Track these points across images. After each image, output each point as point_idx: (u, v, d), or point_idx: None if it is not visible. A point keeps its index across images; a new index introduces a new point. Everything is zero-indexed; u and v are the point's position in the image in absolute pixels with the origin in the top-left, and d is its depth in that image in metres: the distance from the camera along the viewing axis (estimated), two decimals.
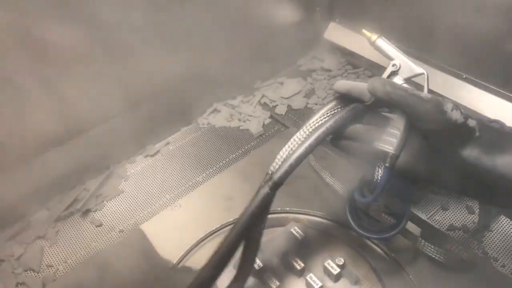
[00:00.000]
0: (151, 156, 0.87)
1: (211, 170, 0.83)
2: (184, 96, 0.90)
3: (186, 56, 0.84)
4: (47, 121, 0.72)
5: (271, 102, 0.97)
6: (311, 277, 0.59)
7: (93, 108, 0.77)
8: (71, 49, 0.70)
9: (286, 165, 0.50)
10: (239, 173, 0.78)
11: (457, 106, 0.45)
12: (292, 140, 0.51)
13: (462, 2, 0.79)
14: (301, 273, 0.61)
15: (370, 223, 0.61)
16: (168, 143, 0.90)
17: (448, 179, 0.47)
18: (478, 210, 0.70)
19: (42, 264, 0.69)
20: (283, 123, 0.92)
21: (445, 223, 0.70)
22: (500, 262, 0.64)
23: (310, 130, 0.51)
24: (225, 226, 0.69)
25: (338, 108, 0.53)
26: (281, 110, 0.95)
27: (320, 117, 0.52)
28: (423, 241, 0.62)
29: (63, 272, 0.68)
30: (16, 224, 0.75)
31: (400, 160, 0.49)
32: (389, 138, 0.49)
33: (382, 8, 0.93)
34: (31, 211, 0.77)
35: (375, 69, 0.98)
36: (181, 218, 0.71)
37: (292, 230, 0.66)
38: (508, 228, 0.68)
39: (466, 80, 0.85)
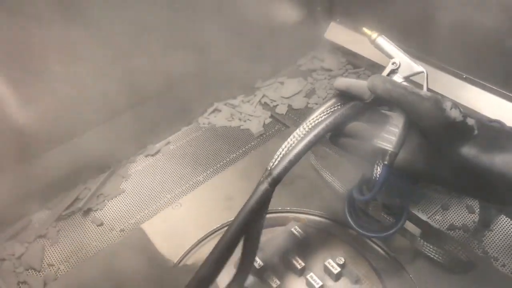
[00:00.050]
0: (152, 155, 0.87)
1: (212, 170, 0.83)
2: (185, 95, 0.90)
3: (186, 55, 0.84)
4: (48, 120, 0.72)
5: (271, 102, 0.98)
6: (312, 276, 0.60)
7: (94, 108, 0.77)
8: (71, 49, 0.70)
9: (285, 161, 0.50)
10: (240, 173, 0.78)
11: (456, 104, 0.45)
12: (291, 136, 0.51)
13: (462, 2, 0.79)
14: (301, 272, 0.61)
15: (369, 222, 0.61)
16: (168, 143, 0.90)
17: (447, 178, 0.47)
18: (478, 209, 0.70)
19: (43, 263, 0.69)
20: (284, 122, 0.92)
21: (445, 222, 0.70)
22: (501, 262, 0.64)
23: (310, 126, 0.52)
24: (226, 226, 0.68)
25: (337, 105, 0.53)
26: (281, 109, 0.95)
27: (320, 114, 0.52)
28: (421, 241, 0.62)
29: (64, 271, 0.68)
30: (17, 223, 0.75)
31: (399, 158, 0.49)
32: (388, 136, 0.49)
33: (382, 8, 0.93)
34: (32, 210, 0.77)
35: (375, 69, 0.99)
36: (182, 217, 0.72)
37: (292, 229, 0.66)
38: (508, 227, 0.68)
39: (466, 80, 0.85)
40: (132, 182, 0.82)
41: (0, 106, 0.66)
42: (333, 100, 0.53)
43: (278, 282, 0.60)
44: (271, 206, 0.53)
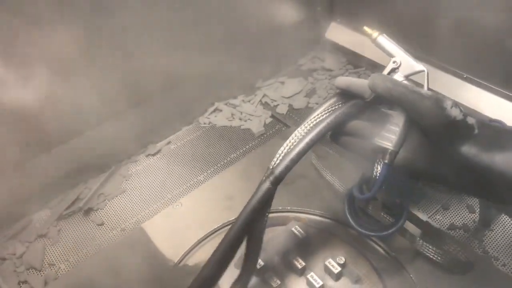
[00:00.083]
0: (153, 155, 0.87)
1: (212, 169, 0.83)
2: (186, 95, 0.91)
3: (187, 55, 0.84)
4: (49, 119, 0.72)
5: (272, 102, 0.98)
6: (312, 276, 0.60)
7: (95, 107, 0.77)
8: (72, 49, 0.70)
9: (287, 160, 0.50)
10: (240, 172, 0.79)
11: (456, 103, 0.45)
12: (293, 135, 0.52)
13: (463, 2, 0.79)
14: (302, 272, 0.61)
15: (369, 222, 0.61)
16: (169, 142, 0.90)
17: (447, 176, 0.47)
18: (478, 209, 0.70)
19: (44, 263, 0.69)
20: (284, 122, 0.93)
21: (446, 222, 0.70)
22: (501, 261, 0.64)
23: (311, 125, 0.52)
24: (226, 225, 0.69)
25: (338, 104, 0.53)
26: (282, 109, 0.95)
27: (321, 113, 0.52)
28: (421, 241, 0.62)
29: (65, 271, 0.68)
30: (18, 223, 0.75)
31: (399, 157, 0.49)
32: (389, 135, 0.49)
33: (383, 8, 0.93)
34: (33, 209, 0.77)
35: (376, 68, 0.98)
36: (183, 217, 0.72)
37: (293, 229, 0.66)
38: (509, 227, 0.68)
39: (466, 79, 0.85)
40: (133, 182, 0.82)
41: (0, 106, 0.66)
42: (334, 99, 0.53)
43: (279, 282, 0.60)
44: (272, 206, 0.53)
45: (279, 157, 0.51)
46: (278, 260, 0.63)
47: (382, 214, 0.63)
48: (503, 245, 0.66)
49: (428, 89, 0.50)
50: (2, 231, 0.73)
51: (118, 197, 0.79)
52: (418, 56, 0.52)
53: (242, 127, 0.92)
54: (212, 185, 0.77)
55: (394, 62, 0.52)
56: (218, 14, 0.87)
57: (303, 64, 1.08)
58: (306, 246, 0.64)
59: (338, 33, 1.08)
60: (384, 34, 0.53)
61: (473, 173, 0.45)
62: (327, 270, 0.61)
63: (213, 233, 0.68)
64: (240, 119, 0.94)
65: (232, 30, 0.90)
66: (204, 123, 0.94)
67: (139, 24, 0.76)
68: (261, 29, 0.97)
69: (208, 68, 0.89)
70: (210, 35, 0.87)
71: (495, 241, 0.67)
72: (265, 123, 0.93)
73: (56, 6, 0.66)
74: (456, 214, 0.71)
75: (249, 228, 0.51)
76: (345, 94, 0.53)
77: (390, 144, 0.49)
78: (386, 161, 0.49)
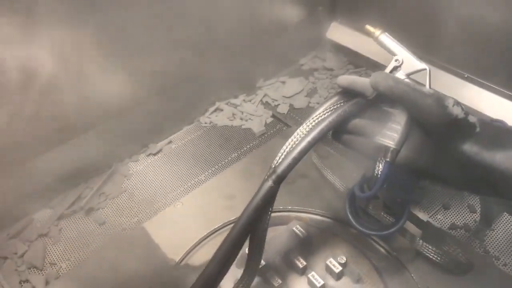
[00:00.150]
0: (154, 154, 0.87)
1: (213, 169, 0.84)
2: (186, 95, 0.91)
3: (188, 55, 0.85)
4: (50, 119, 0.72)
5: (273, 101, 0.98)
6: (313, 275, 0.60)
7: (96, 107, 0.77)
8: (73, 49, 0.70)
9: (289, 159, 0.50)
10: (241, 172, 0.79)
11: (458, 102, 0.45)
12: (295, 134, 0.52)
13: (464, 1, 0.79)
14: (303, 271, 0.61)
15: (369, 221, 0.61)
16: (170, 142, 0.90)
17: (449, 175, 0.47)
18: (480, 209, 0.70)
19: (45, 262, 0.69)
20: (285, 122, 0.93)
21: (446, 222, 0.70)
22: (502, 261, 0.64)
23: (313, 124, 0.52)
24: (227, 225, 0.69)
25: (340, 102, 0.53)
26: (283, 109, 0.95)
27: (323, 112, 0.52)
28: (421, 241, 0.62)
29: (66, 270, 0.68)
30: (19, 222, 0.75)
31: (401, 155, 0.49)
32: (390, 133, 0.49)
33: (384, 8, 0.93)
34: (34, 209, 0.77)
35: (377, 68, 0.97)
36: (184, 216, 0.72)
37: (294, 228, 0.66)
38: (510, 227, 0.69)
39: (467, 79, 0.85)
40: (134, 181, 0.82)
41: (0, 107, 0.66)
42: (336, 98, 0.53)
43: (280, 281, 0.60)
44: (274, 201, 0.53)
45: (281, 156, 0.51)
46: (279, 259, 0.63)
47: (383, 214, 0.63)
48: (504, 245, 0.66)
49: (430, 87, 0.50)
50: (4, 230, 0.73)
51: (119, 196, 0.79)
52: (419, 55, 0.52)
53: (243, 126, 0.92)
54: (213, 184, 0.77)
55: (396, 60, 0.52)
56: (219, 13, 0.87)
57: (304, 63, 1.08)
58: (307, 245, 0.64)
59: (339, 32, 1.08)
60: (386, 33, 0.53)
61: (474, 171, 0.45)
62: (328, 270, 0.61)
63: (214, 232, 0.69)
64: (241, 118, 0.94)
65: (233, 30, 0.90)
66: (205, 123, 0.94)
67: (139, 24, 0.76)
68: (262, 28, 0.97)
69: (209, 68, 0.89)
70: (211, 34, 0.87)
71: (496, 241, 0.67)
72: (266, 122, 0.93)
73: (59, 6, 0.66)
74: (457, 213, 0.71)
75: (251, 227, 0.51)
76: (347, 93, 0.53)
77: (391, 143, 0.49)
78: (388, 159, 0.49)
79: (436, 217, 0.71)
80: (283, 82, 1.02)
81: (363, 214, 0.61)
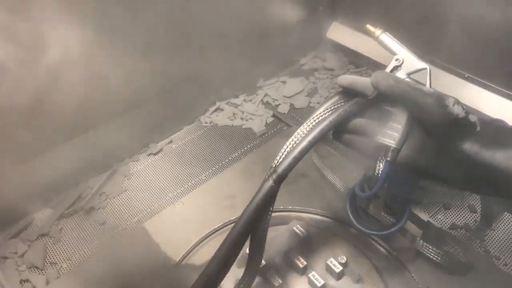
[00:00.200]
0: (154, 154, 0.87)
1: (214, 169, 0.84)
2: (187, 94, 0.91)
3: (188, 55, 0.85)
4: (51, 119, 0.72)
5: (273, 101, 0.98)
6: (314, 275, 0.60)
7: (96, 107, 0.77)
8: (73, 49, 0.70)
9: (290, 158, 0.50)
10: (242, 172, 0.79)
11: (458, 101, 0.45)
12: (295, 133, 0.52)
13: (465, 1, 0.79)
14: (303, 271, 0.61)
15: (370, 221, 0.61)
16: (171, 142, 0.90)
17: (449, 174, 0.47)
18: (480, 208, 0.70)
19: (46, 262, 0.69)
20: (286, 122, 0.93)
21: (447, 222, 0.70)
22: (502, 261, 0.64)
23: (314, 123, 0.52)
24: (228, 224, 0.69)
25: (341, 102, 0.53)
26: (283, 109, 0.95)
27: (323, 111, 0.52)
28: (421, 241, 0.62)
29: (66, 270, 0.68)
30: (20, 222, 0.75)
31: (401, 154, 0.49)
32: (391, 132, 0.49)
33: (384, 8, 0.93)
34: (35, 208, 0.77)
35: (377, 68, 0.97)
36: (184, 216, 0.72)
37: (294, 228, 0.66)
38: (510, 226, 0.68)
39: (468, 79, 0.85)
40: (134, 181, 0.82)
41: (1, 107, 0.66)
42: (336, 97, 0.53)
43: (280, 281, 0.60)
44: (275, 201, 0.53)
45: (282, 155, 0.51)
46: (279, 259, 0.63)
47: (383, 213, 0.63)
48: (504, 245, 0.66)
49: (430, 87, 0.50)
50: (4, 230, 0.73)
51: (119, 196, 0.79)
52: (419, 55, 0.52)
53: (243, 126, 0.92)
54: (213, 184, 0.77)
55: (396, 59, 0.52)
56: (220, 13, 0.87)
57: (304, 63, 1.08)
58: (308, 245, 0.64)
59: (340, 32, 1.08)
60: (387, 32, 0.53)
61: (474, 170, 0.45)
62: (329, 269, 0.61)
63: (215, 232, 0.69)
64: (242, 118, 0.94)
65: (234, 30, 0.90)
66: (206, 123, 0.94)
67: (140, 24, 0.76)
68: (263, 28, 0.97)
69: (210, 67, 0.89)
70: (212, 33, 0.87)
71: (496, 241, 0.67)
72: (266, 122, 0.93)
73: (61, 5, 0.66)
74: (458, 213, 0.71)
75: (252, 227, 0.51)
76: (347, 93, 0.53)
77: (392, 142, 0.49)
78: (388, 158, 0.49)
79: (437, 217, 0.71)
80: (284, 82, 1.02)
81: (364, 214, 0.61)
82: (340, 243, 0.65)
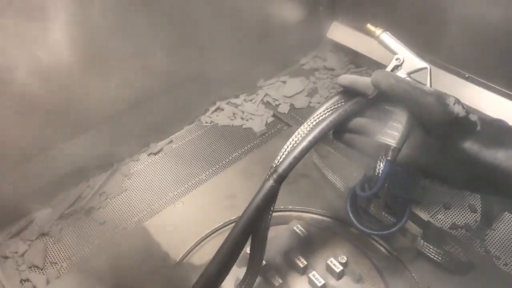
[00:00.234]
0: (155, 154, 0.87)
1: (214, 168, 0.84)
2: (187, 94, 0.91)
3: (189, 54, 0.85)
4: (51, 119, 0.72)
5: (274, 101, 0.98)
6: (314, 275, 0.60)
7: (97, 106, 0.77)
8: (73, 49, 0.70)
9: (290, 158, 0.50)
10: (242, 171, 0.79)
11: (459, 100, 0.45)
12: (296, 133, 0.52)
13: (465, 1, 0.79)
14: (303, 271, 0.61)
15: (370, 221, 0.61)
16: (171, 141, 0.90)
17: (450, 173, 0.47)
18: (480, 208, 0.70)
19: (46, 261, 0.69)
20: (286, 121, 0.93)
21: (447, 221, 0.70)
22: (503, 261, 0.64)
23: (314, 123, 0.52)
24: (228, 224, 0.69)
25: (341, 102, 0.53)
26: (283, 109, 0.95)
27: (324, 111, 0.52)
28: (422, 241, 0.62)
29: (67, 269, 0.68)
30: (20, 221, 0.75)
31: (402, 154, 0.49)
32: (391, 132, 0.49)
33: (384, 8, 0.93)
34: (35, 208, 0.77)
35: (378, 68, 0.97)
36: (184, 215, 0.72)
37: (295, 228, 0.66)
38: (510, 226, 0.68)
39: (468, 79, 0.85)
40: (135, 181, 0.82)
41: (1, 106, 0.66)
42: (336, 97, 0.53)
43: (281, 281, 0.60)
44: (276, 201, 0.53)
45: (282, 155, 0.51)
46: (280, 259, 0.63)
47: (384, 213, 0.63)
48: (505, 245, 0.66)
49: (431, 86, 0.50)
50: (4, 230, 0.73)
51: (119, 196, 0.79)
52: (420, 55, 0.52)
53: (243, 126, 0.92)
54: (213, 184, 0.77)
55: (397, 59, 0.52)
56: (220, 13, 0.87)
57: (305, 63, 1.08)
58: (308, 245, 0.64)
59: (340, 32, 1.08)
60: (387, 32, 0.53)
61: (475, 169, 0.45)
62: (329, 269, 0.61)
63: (215, 231, 0.69)
64: (242, 118, 0.94)
65: (234, 29, 0.90)
66: (206, 122, 0.94)
67: (140, 24, 0.76)
68: (263, 28, 0.97)
69: (210, 67, 0.89)
70: (212, 33, 0.87)
71: (497, 241, 0.67)
72: (266, 122, 0.93)
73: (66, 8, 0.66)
74: (458, 213, 0.71)
75: (253, 226, 0.51)
76: (348, 92, 0.53)
77: (392, 141, 0.49)
78: (389, 158, 0.49)
79: (437, 217, 0.71)
80: (284, 82, 1.02)
81: (364, 214, 0.61)
82: (341, 243, 0.65)
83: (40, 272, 0.68)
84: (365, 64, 1.03)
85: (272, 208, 0.52)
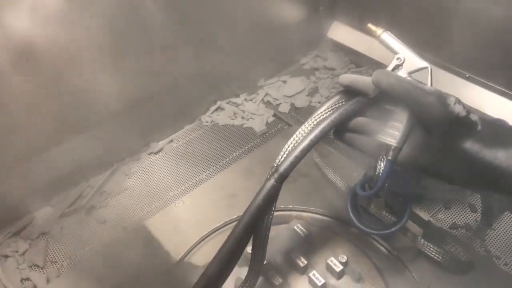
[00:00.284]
0: (155, 153, 0.87)
1: (215, 168, 0.84)
2: (188, 94, 0.91)
3: (189, 54, 0.85)
4: (52, 118, 0.73)
5: (274, 101, 0.98)
6: (314, 274, 0.60)
7: (97, 106, 0.77)
8: (73, 49, 0.70)
9: (291, 157, 0.50)
10: (242, 171, 0.79)
11: (459, 100, 0.45)
12: (297, 132, 0.52)
13: (465, 1, 0.79)
14: (304, 270, 0.61)
15: (370, 220, 0.61)
16: (171, 141, 0.90)
17: (450, 173, 0.47)
18: (481, 208, 0.70)
19: (47, 260, 0.69)
20: (286, 121, 0.93)
21: (447, 221, 0.70)
22: (503, 260, 0.64)
23: (315, 122, 0.52)
24: (229, 223, 0.69)
25: (342, 101, 0.53)
26: (284, 108, 0.95)
27: (325, 110, 0.53)
28: (422, 240, 0.62)
29: (67, 268, 0.68)
30: (21, 220, 0.75)
31: (402, 153, 0.49)
32: (392, 131, 0.49)
33: (385, 7, 0.93)
34: (36, 207, 0.77)
35: (378, 67, 0.97)
36: (185, 215, 0.72)
37: (295, 227, 0.66)
38: (511, 226, 0.68)
39: (469, 79, 0.85)
40: (135, 180, 0.82)
41: (2, 105, 0.66)
42: (337, 97, 0.53)
43: (281, 280, 0.60)
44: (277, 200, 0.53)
45: (283, 154, 0.51)
46: (280, 258, 0.63)
47: (384, 213, 0.63)
48: (505, 244, 0.66)
49: (432, 86, 0.50)
50: (5, 229, 0.74)
51: (120, 195, 0.79)
52: (420, 55, 0.52)
53: (244, 125, 0.92)
54: (214, 183, 0.78)
55: (397, 58, 0.52)
56: (221, 12, 0.87)
57: (305, 63, 1.08)
58: (308, 244, 0.64)
59: (341, 32, 1.08)
60: (388, 31, 0.53)
61: (475, 169, 0.45)
62: (329, 269, 0.61)
63: (216, 231, 0.69)
64: (242, 117, 0.94)
65: (235, 29, 0.90)
66: (206, 122, 0.94)
67: (140, 24, 0.76)
68: (264, 28, 0.97)
69: (211, 67, 0.89)
70: (212, 33, 0.87)
71: (497, 240, 0.67)
72: (267, 121, 0.93)
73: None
74: (458, 213, 0.71)
75: (254, 226, 0.51)
76: (349, 92, 0.53)
77: (393, 141, 0.49)
78: (390, 157, 0.49)
79: (437, 217, 0.71)
80: (285, 82, 1.02)
81: (365, 213, 0.61)
82: (341, 242, 0.65)
83: (40, 271, 0.68)
84: (365, 64, 1.03)
85: (273, 208, 0.52)
